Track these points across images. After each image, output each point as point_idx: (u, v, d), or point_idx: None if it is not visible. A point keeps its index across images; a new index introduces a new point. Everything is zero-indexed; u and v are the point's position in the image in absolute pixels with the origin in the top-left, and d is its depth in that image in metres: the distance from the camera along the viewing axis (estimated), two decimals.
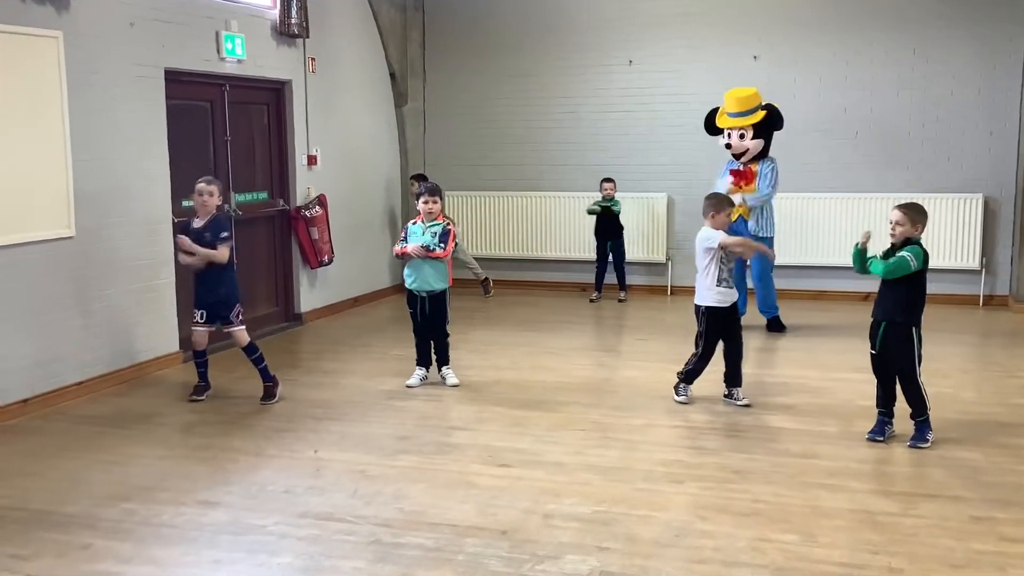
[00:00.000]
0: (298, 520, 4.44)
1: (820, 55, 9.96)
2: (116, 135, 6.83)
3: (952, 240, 9.72)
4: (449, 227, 6.67)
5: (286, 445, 5.53)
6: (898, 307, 5.33)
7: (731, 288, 6.18)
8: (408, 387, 6.71)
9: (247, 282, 7.72)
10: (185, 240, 6.28)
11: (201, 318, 6.39)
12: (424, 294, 6.68)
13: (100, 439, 5.64)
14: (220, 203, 6.47)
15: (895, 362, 5.39)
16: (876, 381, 5.53)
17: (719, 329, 6.22)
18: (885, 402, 5.48)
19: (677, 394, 6.30)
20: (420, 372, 6.83)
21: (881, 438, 5.43)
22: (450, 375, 6.80)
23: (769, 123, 8.36)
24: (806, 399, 6.39)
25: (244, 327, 6.45)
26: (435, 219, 6.66)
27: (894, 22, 9.74)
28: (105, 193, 6.76)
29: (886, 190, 9.79)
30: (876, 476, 5.01)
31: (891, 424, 5.49)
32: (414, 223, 6.72)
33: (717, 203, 6.18)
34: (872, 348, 5.48)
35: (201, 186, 6.35)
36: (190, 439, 5.69)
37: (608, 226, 10.13)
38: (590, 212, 10.13)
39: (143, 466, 5.18)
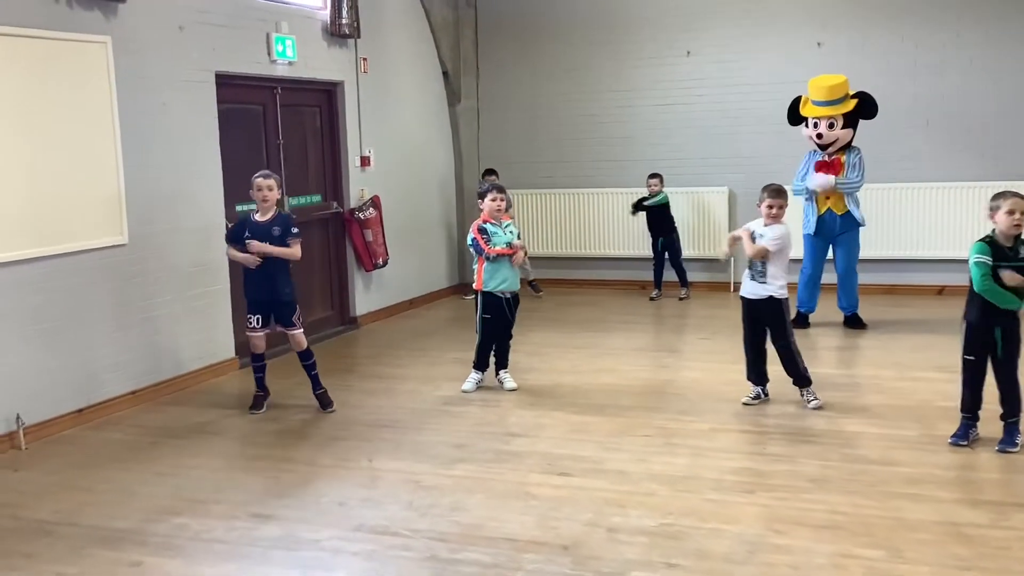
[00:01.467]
0: (352, 534, 4.28)
1: (887, 40, 9.56)
2: (167, 140, 6.76)
3: None
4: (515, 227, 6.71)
5: (341, 454, 5.39)
6: None
7: (760, 282, 5.89)
8: (464, 392, 6.55)
9: (302, 286, 7.57)
10: (257, 245, 5.98)
11: (257, 323, 6.17)
12: (509, 295, 6.55)
13: (153, 450, 5.56)
14: (280, 197, 6.26)
15: (1010, 363, 5.02)
16: (966, 385, 5.15)
17: (747, 320, 6.04)
18: (973, 406, 5.13)
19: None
20: (476, 376, 6.66)
21: (965, 442, 5.10)
22: (508, 379, 6.62)
23: (862, 112, 8.08)
24: (883, 400, 6.07)
25: (303, 330, 6.29)
26: (502, 218, 6.57)
27: (965, 2, 9.31)
28: (157, 199, 6.69)
29: (960, 179, 9.39)
30: (962, 484, 4.70)
31: (976, 428, 5.16)
32: (490, 224, 6.51)
33: (761, 193, 5.99)
34: (971, 354, 5.08)
35: (259, 180, 6.08)
36: (245, 449, 5.58)
37: (658, 221, 9.89)
38: (634, 213, 9.94)
39: (196, 478, 5.07)
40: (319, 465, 5.21)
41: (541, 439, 5.53)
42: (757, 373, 6.07)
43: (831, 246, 8.31)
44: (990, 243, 4.95)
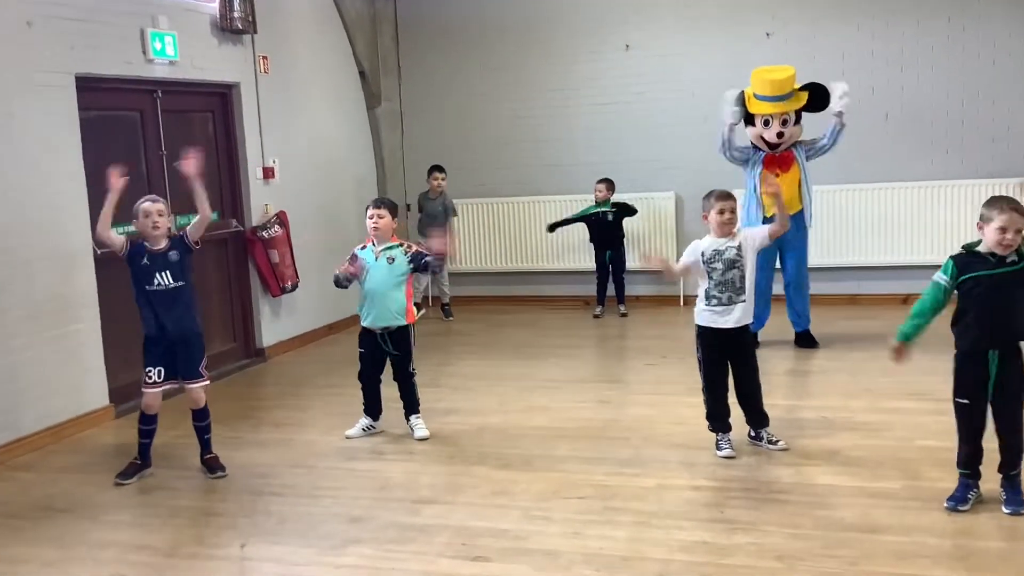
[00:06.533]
0: None
1: (841, 29, 8.81)
2: (14, 155, 5.74)
3: None
4: (409, 250, 5.65)
5: (209, 537, 4.40)
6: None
7: (725, 306, 4.98)
8: (348, 438, 5.73)
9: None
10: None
11: (159, 376, 5.11)
12: (382, 331, 5.64)
13: None
14: (170, 225, 5.28)
15: (1014, 398, 4.14)
16: (963, 436, 4.24)
17: (716, 356, 5.08)
18: (972, 460, 4.22)
19: (718, 449, 5.08)
20: (365, 421, 5.81)
21: (966, 507, 4.18)
22: (419, 426, 5.69)
23: (816, 106, 7.27)
24: (857, 440, 5.22)
25: (207, 383, 5.29)
26: (387, 240, 5.59)
27: None
28: (4, 223, 5.66)
29: (923, 178, 8.67)
30: (962, 558, 3.82)
31: (978, 487, 4.25)
32: (362, 248, 5.66)
33: (704, 201, 5.10)
34: (965, 396, 4.17)
35: (147, 206, 5.07)
36: (92, 531, 4.54)
37: (605, 234, 9.03)
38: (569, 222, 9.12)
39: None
40: (178, 554, 4.22)
41: (456, 506, 4.60)
42: (726, 418, 5.16)
43: (778, 251, 7.41)
44: (962, 257, 4.13)
